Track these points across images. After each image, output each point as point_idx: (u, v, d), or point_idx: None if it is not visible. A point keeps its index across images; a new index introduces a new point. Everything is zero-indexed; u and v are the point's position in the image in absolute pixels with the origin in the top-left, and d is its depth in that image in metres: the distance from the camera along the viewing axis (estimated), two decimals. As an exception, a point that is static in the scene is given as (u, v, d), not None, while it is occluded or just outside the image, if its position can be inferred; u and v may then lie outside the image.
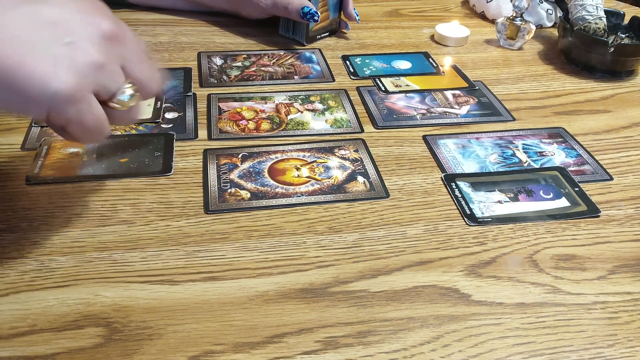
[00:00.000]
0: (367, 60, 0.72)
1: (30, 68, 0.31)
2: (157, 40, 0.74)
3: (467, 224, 0.46)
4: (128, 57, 0.36)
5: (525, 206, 0.49)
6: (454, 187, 0.50)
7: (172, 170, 0.50)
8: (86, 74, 0.33)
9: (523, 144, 0.57)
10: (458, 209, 0.48)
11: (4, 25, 0.31)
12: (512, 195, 0.50)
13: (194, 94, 0.62)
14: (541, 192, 0.50)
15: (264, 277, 0.41)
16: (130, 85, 0.36)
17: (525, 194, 0.50)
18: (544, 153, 0.56)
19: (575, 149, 0.57)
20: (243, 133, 0.56)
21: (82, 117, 0.34)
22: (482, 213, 0.47)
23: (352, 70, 0.70)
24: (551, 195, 0.50)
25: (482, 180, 0.51)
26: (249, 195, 0.48)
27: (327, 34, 0.77)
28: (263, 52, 0.73)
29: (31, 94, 0.31)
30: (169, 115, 0.58)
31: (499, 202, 0.49)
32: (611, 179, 0.53)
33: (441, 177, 0.52)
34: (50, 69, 0.31)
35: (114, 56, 0.34)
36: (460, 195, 0.49)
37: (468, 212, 0.47)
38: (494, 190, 0.50)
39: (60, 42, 0.32)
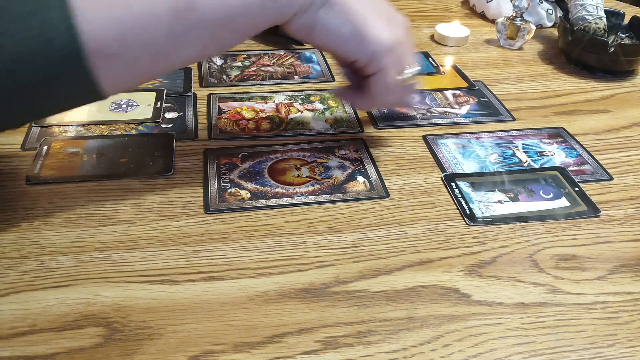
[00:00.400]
0: (367, 60, 0.72)
1: (372, 24, 0.44)
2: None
3: (467, 223, 0.46)
4: (412, 45, 0.49)
5: (525, 206, 0.49)
6: (454, 187, 0.50)
7: (172, 170, 0.50)
8: (399, 41, 0.45)
9: (523, 143, 0.57)
10: (458, 208, 0.48)
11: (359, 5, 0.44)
12: (512, 195, 0.50)
13: (194, 94, 0.62)
14: (541, 192, 0.50)
15: (264, 277, 0.41)
16: (412, 66, 0.48)
17: (525, 194, 0.50)
18: (544, 153, 0.56)
19: (575, 149, 0.57)
20: (243, 133, 0.56)
21: (388, 70, 0.45)
22: (482, 213, 0.47)
23: (352, 70, 0.70)
24: (551, 195, 0.50)
25: (483, 180, 0.51)
26: (249, 195, 0.48)
27: None
28: (263, 52, 0.73)
29: (368, 41, 0.44)
30: (169, 115, 0.58)
31: (499, 202, 0.49)
32: (611, 178, 0.53)
33: (441, 177, 0.52)
34: (383, 28, 0.44)
35: (409, 41, 0.48)
36: (460, 195, 0.49)
37: (468, 212, 0.47)
38: (494, 190, 0.50)
39: (388, 17, 0.46)
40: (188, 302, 0.38)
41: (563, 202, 0.49)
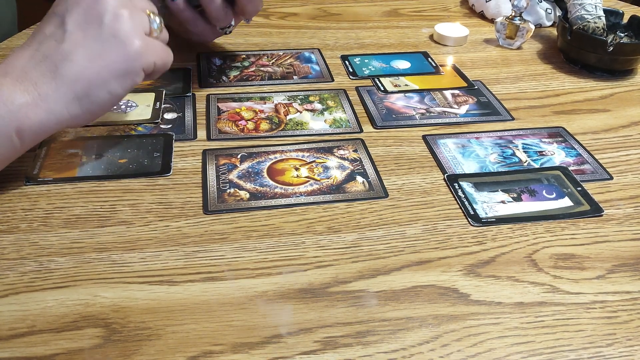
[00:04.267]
0: (366, 60, 0.72)
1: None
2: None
3: (471, 224, 0.46)
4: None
5: (528, 206, 0.49)
6: (457, 187, 0.50)
7: (171, 170, 0.50)
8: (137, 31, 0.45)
9: (523, 143, 0.57)
10: (461, 209, 0.48)
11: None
12: (514, 195, 0.50)
13: (193, 95, 0.62)
14: (544, 192, 0.50)
15: (263, 277, 0.41)
16: (152, 15, 0.47)
17: (528, 194, 0.50)
18: (543, 152, 0.56)
19: (575, 149, 0.57)
20: (242, 133, 0.56)
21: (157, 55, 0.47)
22: (486, 213, 0.47)
23: (351, 70, 0.70)
24: (554, 195, 0.50)
25: (485, 180, 0.51)
26: (248, 195, 0.48)
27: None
28: (262, 52, 0.73)
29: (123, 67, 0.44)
30: (168, 116, 0.58)
31: (502, 202, 0.49)
32: (611, 178, 0.53)
33: (444, 178, 0.52)
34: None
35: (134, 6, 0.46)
36: (463, 196, 0.49)
37: (472, 212, 0.47)
38: (497, 191, 0.50)
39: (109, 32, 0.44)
40: (187, 302, 0.38)
41: (566, 202, 0.49)
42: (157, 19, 0.48)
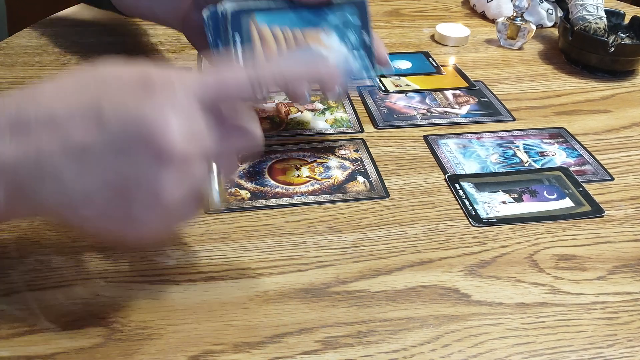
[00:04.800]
0: (367, 60, 0.72)
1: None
2: (157, 40, 0.74)
3: (472, 224, 0.46)
4: (207, 153, 0.32)
5: (529, 207, 0.48)
6: (458, 188, 0.50)
7: (172, 170, 0.50)
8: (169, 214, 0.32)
9: (524, 144, 0.57)
10: (462, 209, 0.48)
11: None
12: (516, 195, 0.50)
13: (194, 94, 0.62)
14: (545, 192, 0.50)
15: (263, 277, 0.41)
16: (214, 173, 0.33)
17: (529, 195, 0.50)
18: (545, 153, 0.56)
19: (576, 149, 0.57)
20: (243, 133, 0.56)
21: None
22: (487, 214, 0.47)
23: (352, 70, 0.70)
24: (555, 196, 0.50)
25: (486, 180, 0.51)
26: (249, 195, 0.48)
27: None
28: (263, 51, 0.73)
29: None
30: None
31: (503, 202, 0.49)
32: (612, 179, 0.53)
33: (445, 178, 0.52)
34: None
35: (189, 163, 0.31)
36: (464, 196, 0.49)
37: (473, 213, 0.47)
38: (498, 191, 0.50)
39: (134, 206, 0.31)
40: (188, 302, 0.38)
41: (567, 203, 0.49)
42: (215, 183, 0.33)
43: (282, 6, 0.46)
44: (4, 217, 0.33)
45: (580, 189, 0.51)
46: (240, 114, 0.34)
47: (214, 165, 0.33)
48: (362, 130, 0.58)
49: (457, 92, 0.66)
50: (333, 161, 0.53)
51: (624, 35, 0.74)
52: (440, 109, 0.62)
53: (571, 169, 0.54)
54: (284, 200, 0.48)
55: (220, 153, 0.33)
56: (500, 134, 0.58)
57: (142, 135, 0.30)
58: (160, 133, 0.29)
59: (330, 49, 0.45)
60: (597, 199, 0.50)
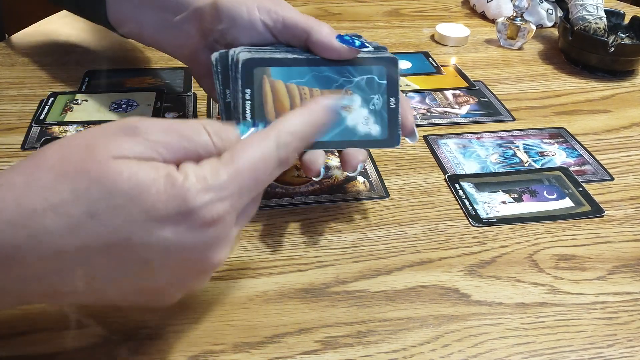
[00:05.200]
0: (367, 60, 0.72)
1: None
2: (157, 40, 0.74)
3: (472, 224, 0.46)
4: (233, 211, 0.30)
5: (529, 207, 0.48)
6: (457, 188, 0.50)
7: (172, 170, 0.50)
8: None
9: (524, 144, 0.57)
10: (462, 209, 0.48)
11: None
12: (515, 195, 0.50)
13: (194, 94, 0.62)
14: (545, 192, 0.50)
15: (263, 277, 0.41)
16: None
17: (529, 195, 0.50)
18: (544, 153, 0.56)
19: (576, 149, 0.57)
20: (243, 133, 0.56)
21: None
22: (487, 214, 0.47)
23: (352, 70, 0.70)
24: (555, 196, 0.50)
25: (486, 180, 0.51)
26: (248, 195, 0.48)
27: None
28: (263, 52, 0.73)
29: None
30: (169, 115, 0.58)
31: (503, 202, 0.49)
32: (612, 179, 0.53)
33: (444, 178, 0.52)
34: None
35: (218, 232, 0.29)
36: (464, 196, 0.49)
37: (473, 213, 0.47)
38: (498, 191, 0.50)
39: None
40: (188, 302, 0.38)
41: (567, 203, 0.49)
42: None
43: (301, 60, 0.41)
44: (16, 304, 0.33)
45: (580, 189, 0.51)
46: None
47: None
48: (362, 130, 0.58)
49: (457, 92, 0.66)
50: (333, 161, 0.53)
51: (623, 35, 0.74)
52: (440, 109, 0.62)
53: (571, 169, 0.54)
54: (283, 200, 0.48)
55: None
56: (500, 134, 0.58)
57: (193, 271, 0.30)
58: (214, 266, 0.30)
59: (350, 109, 0.41)
60: (597, 199, 0.50)
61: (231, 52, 0.40)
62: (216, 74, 0.40)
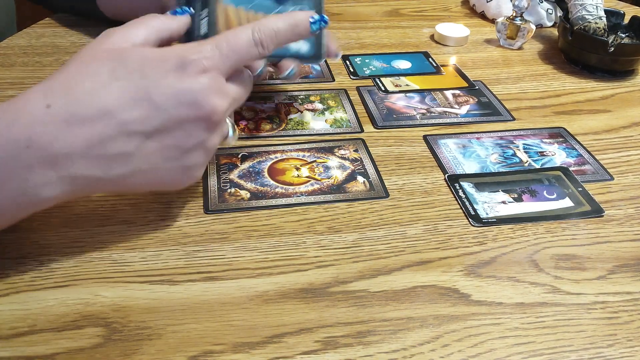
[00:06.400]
0: (367, 60, 0.72)
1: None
2: (157, 40, 0.74)
3: (472, 224, 0.46)
4: (232, 108, 0.42)
5: (529, 207, 0.48)
6: (457, 187, 0.50)
7: (172, 170, 0.50)
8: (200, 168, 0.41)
9: (524, 143, 0.57)
10: (462, 209, 0.48)
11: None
12: (515, 195, 0.50)
13: (194, 94, 0.62)
14: (545, 192, 0.50)
15: (263, 277, 0.41)
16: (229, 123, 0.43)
17: (529, 194, 0.50)
18: (544, 153, 0.56)
19: (576, 149, 0.57)
20: (243, 133, 0.56)
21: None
22: (487, 214, 0.47)
23: (352, 70, 0.70)
24: (555, 196, 0.50)
25: (486, 180, 0.51)
26: (248, 195, 0.48)
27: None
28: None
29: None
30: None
31: (503, 202, 0.49)
32: (612, 178, 0.53)
33: (444, 178, 0.52)
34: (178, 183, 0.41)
35: (224, 123, 0.41)
36: (464, 196, 0.49)
37: (472, 212, 0.47)
38: (498, 191, 0.50)
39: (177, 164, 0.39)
40: (188, 302, 0.38)
41: (567, 203, 0.49)
42: (230, 130, 0.43)
43: None
44: (66, 199, 0.37)
45: (580, 189, 0.51)
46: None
47: (229, 122, 0.42)
48: (362, 130, 0.58)
49: (457, 92, 0.66)
50: (333, 161, 0.53)
51: (623, 35, 0.74)
52: (439, 109, 0.62)
53: (571, 168, 0.54)
54: (283, 201, 0.48)
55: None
56: (500, 134, 0.58)
57: (195, 111, 0.37)
58: (211, 110, 0.38)
59: None
60: (597, 198, 0.50)
61: None
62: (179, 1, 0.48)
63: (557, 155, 0.56)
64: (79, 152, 0.35)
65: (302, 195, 0.48)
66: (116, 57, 0.37)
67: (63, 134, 0.34)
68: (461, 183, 0.51)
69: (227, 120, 0.42)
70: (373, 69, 0.70)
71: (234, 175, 0.50)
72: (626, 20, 0.75)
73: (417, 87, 0.67)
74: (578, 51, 0.72)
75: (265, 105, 0.61)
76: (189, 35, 0.46)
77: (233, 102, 0.41)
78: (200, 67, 0.37)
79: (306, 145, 0.55)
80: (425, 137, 0.57)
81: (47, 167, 0.34)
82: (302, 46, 0.51)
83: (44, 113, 0.34)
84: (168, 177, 0.39)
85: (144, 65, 0.37)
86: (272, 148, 0.54)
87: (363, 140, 0.56)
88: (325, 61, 0.71)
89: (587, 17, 0.71)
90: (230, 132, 0.42)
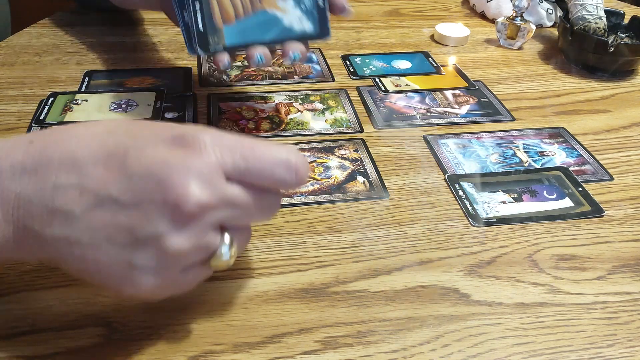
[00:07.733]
0: (367, 60, 0.72)
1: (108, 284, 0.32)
2: (157, 40, 0.74)
3: (472, 224, 0.46)
4: (227, 217, 0.31)
5: (529, 207, 0.49)
6: (457, 187, 0.50)
7: (172, 170, 0.50)
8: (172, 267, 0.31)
9: (524, 143, 0.57)
10: (462, 209, 0.48)
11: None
12: (515, 195, 0.50)
13: (194, 94, 0.62)
14: (545, 192, 0.50)
15: (263, 277, 0.41)
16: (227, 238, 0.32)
17: (529, 195, 0.50)
18: (544, 153, 0.56)
19: (576, 149, 0.57)
20: (243, 133, 0.56)
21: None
22: (487, 214, 0.47)
23: (352, 70, 0.70)
24: (555, 196, 0.50)
25: (486, 180, 0.51)
26: (248, 195, 0.48)
27: None
28: (263, 51, 0.73)
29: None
30: (169, 115, 0.58)
31: (503, 202, 0.49)
32: (612, 179, 0.53)
33: (444, 178, 0.52)
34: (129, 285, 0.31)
35: (203, 227, 0.30)
36: (464, 196, 0.49)
37: (472, 212, 0.47)
38: (498, 191, 0.50)
39: (134, 253, 0.30)
40: (188, 302, 0.38)
41: (567, 203, 0.49)
42: (226, 249, 0.32)
43: None
44: (12, 254, 0.32)
45: (580, 189, 0.51)
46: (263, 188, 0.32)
47: (227, 236, 0.32)
48: (362, 130, 0.58)
49: (457, 92, 0.66)
50: (333, 161, 0.53)
51: (623, 35, 0.74)
52: (440, 109, 0.62)
53: (571, 168, 0.54)
54: (283, 200, 0.48)
55: (237, 224, 0.33)
56: (500, 134, 0.58)
57: (162, 191, 0.29)
58: (181, 194, 0.29)
59: (285, 11, 0.49)
60: (597, 198, 0.50)
61: None
62: (174, 0, 0.47)
63: (557, 155, 0.56)
64: (31, 192, 0.30)
65: (302, 195, 0.48)
66: (126, 122, 0.33)
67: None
68: (461, 183, 0.51)
69: (225, 235, 0.32)
70: (373, 69, 0.70)
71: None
72: (626, 20, 0.75)
73: (417, 87, 0.67)
74: (578, 51, 0.72)
75: (265, 105, 0.61)
76: (188, 33, 0.46)
77: (227, 206, 0.31)
78: (201, 149, 0.30)
79: (306, 145, 0.55)
80: (425, 137, 0.57)
81: None
82: (306, 25, 0.49)
83: (26, 146, 0.31)
84: (106, 268, 0.30)
85: (144, 129, 0.32)
86: (272, 148, 0.54)
87: (363, 140, 0.56)
88: (326, 61, 0.71)
89: (587, 17, 0.71)
90: (224, 250, 0.32)
